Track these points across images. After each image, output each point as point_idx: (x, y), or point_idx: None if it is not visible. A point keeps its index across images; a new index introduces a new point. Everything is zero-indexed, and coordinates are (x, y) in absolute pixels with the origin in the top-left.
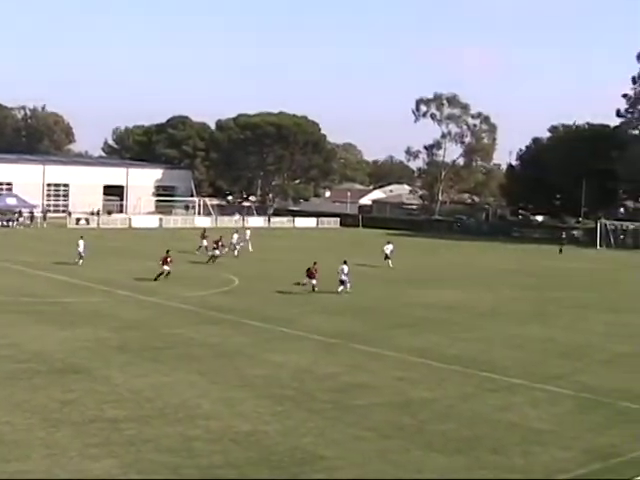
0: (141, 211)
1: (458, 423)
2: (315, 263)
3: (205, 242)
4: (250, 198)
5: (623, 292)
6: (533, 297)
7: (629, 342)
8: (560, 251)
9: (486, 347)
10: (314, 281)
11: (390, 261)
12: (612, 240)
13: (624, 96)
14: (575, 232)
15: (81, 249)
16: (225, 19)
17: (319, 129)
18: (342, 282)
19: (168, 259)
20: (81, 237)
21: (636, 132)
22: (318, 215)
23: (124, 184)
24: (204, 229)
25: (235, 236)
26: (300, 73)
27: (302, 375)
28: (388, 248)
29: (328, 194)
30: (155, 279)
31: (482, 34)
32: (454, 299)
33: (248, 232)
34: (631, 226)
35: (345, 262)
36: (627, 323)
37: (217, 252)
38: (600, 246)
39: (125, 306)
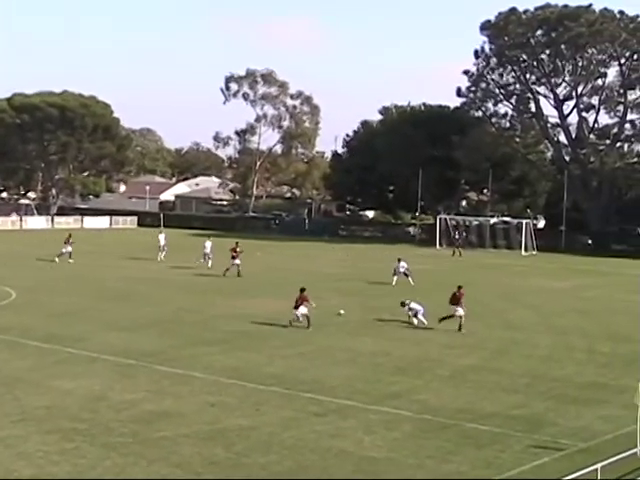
0: None
1: (280, 454)
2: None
3: (69, 248)
4: (29, 194)
5: (468, 297)
6: (364, 305)
7: (473, 354)
8: (455, 254)
9: (310, 364)
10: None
11: (410, 279)
12: (454, 238)
13: (465, 73)
14: (411, 229)
15: None
16: None
17: (111, 112)
18: (413, 312)
19: (306, 300)
20: None
21: (479, 114)
22: (111, 214)
23: None
24: (69, 234)
25: (208, 244)
26: (87, 45)
27: (95, 404)
28: (402, 267)
29: (123, 189)
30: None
31: (302, 3)
32: (272, 309)
33: (162, 236)
34: (475, 222)
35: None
36: (470, 332)
37: (238, 261)
38: (440, 245)
39: None
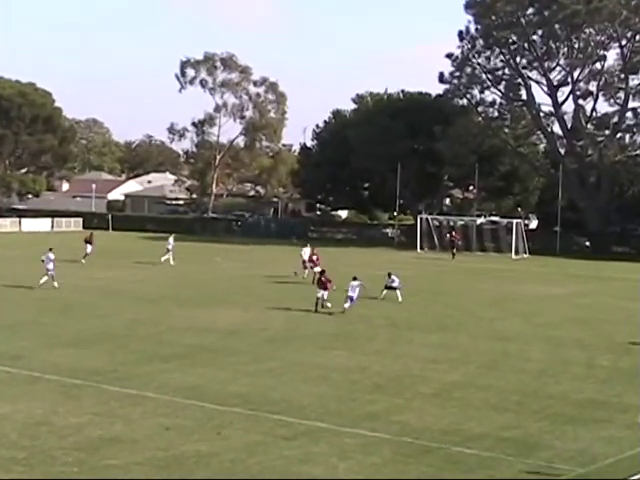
0: None
1: None
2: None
3: (90, 248)
4: None
5: (448, 305)
6: (337, 315)
7: (459, 369)
8: (453, 256)
9: (278, 381)
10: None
11: (399, 293)
12: (437, 240)
13: (449, 56)
14: (389, 231)
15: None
16: None
17: (52, 101)
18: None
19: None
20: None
21: (464, 102)
22: (53, 215)
23: None
24: (91, 233)
25: (306, 250)
26: (24, 27)
27: (36, 429)
28: (395, 281)
29: (66, 187)
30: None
31: None
32: (236, 321)
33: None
34: (460, 222)
35: (355, 278)
36: (455, 345)
37: (318, 269)
38: (422, 248)
39: None
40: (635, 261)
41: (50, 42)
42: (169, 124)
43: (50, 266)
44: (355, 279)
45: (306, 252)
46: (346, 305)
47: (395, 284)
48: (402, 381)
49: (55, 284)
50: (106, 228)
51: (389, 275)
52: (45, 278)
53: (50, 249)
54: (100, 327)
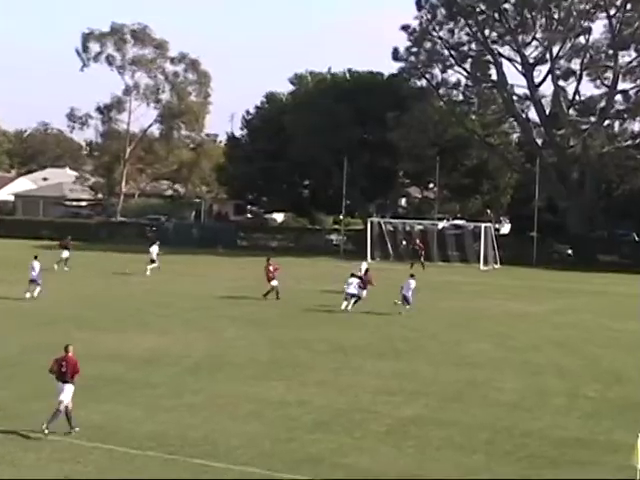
0: None
1: None
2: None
3: (67, 253)
4: None
5: (404, 325)
6: (271, 338)
7: (417, 401)
8: (412, 266)
9: (202, 419)
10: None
11: (352, 301)
12: (390, 248)
13: (404, 28)
14: (334, 237)
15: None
16: None
17: None
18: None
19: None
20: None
21: (422, 83)
22: None
23: None
24: (69, 237)
25: (363, 267)
26: None
27: None
28: (350, 286)
29: None
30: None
31: None
32: (150, 346)
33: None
34: (418, 226)
35: (412, 276)
36: (413, 373)
37: (275, 282)
38: (373, 258)
39: None
40: (624, 272)
41: None
42: (69, 110)
43: (34, 275)
44: (412, 276)
45: (362, 268)
46: (406, 306)
47: (350, 290)
48: (350, 417)
49: (27, 295)
50: None
51: (365, 268)
52: (38, 288)
53: (35, 257)
54: None
